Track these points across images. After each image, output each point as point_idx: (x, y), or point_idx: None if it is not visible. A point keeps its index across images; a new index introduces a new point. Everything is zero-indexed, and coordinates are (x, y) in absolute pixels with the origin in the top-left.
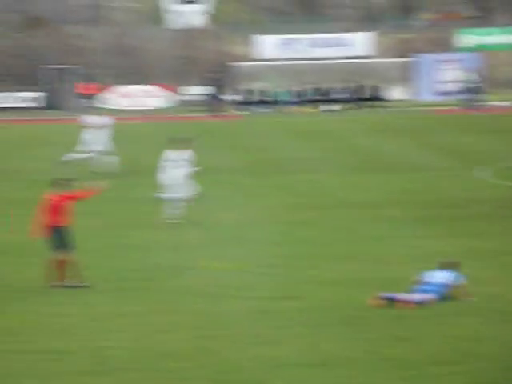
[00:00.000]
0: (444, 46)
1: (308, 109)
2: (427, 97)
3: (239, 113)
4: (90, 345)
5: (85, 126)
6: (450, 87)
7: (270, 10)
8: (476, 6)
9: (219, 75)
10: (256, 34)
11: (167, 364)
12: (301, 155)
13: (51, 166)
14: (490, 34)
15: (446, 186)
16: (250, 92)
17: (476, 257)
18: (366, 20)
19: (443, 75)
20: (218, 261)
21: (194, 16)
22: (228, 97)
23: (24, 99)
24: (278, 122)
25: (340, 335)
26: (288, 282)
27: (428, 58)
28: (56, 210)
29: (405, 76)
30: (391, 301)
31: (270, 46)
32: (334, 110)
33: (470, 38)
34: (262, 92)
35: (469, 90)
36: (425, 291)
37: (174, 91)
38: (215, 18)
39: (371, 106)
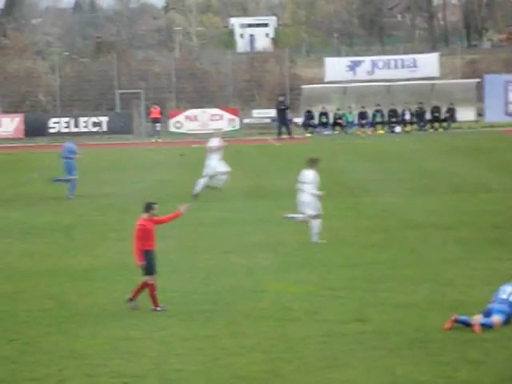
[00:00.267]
0: None
1: (378, 130)
2: (497, 117)
3: (306, 135)
4: (160, 368)
5: (210, 151)
6: None
7: (339, 32)
8: None
9: (285, 98)
10: (325, 56)
11: None
12: (369, 177)
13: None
14: None
15: None
16: (316, 114)
17: None
18: (434, 41)
19: None
20: (288, 283)
21: (262, 39)
22: (295, 119)
23: (95, 124)
24: (346, 143)
25: (412, 358)
26: (359, 304)
27: (498, 78)
28: (148, 234)
29: (474, 97)
30: (466, 324)
31: (337, 67)
32: (406, 132)
33: None
34: (328, 114)
35: None
36: (500, 312)
37: (240, 114)
38: (282, 41)
39: (445, 128)
